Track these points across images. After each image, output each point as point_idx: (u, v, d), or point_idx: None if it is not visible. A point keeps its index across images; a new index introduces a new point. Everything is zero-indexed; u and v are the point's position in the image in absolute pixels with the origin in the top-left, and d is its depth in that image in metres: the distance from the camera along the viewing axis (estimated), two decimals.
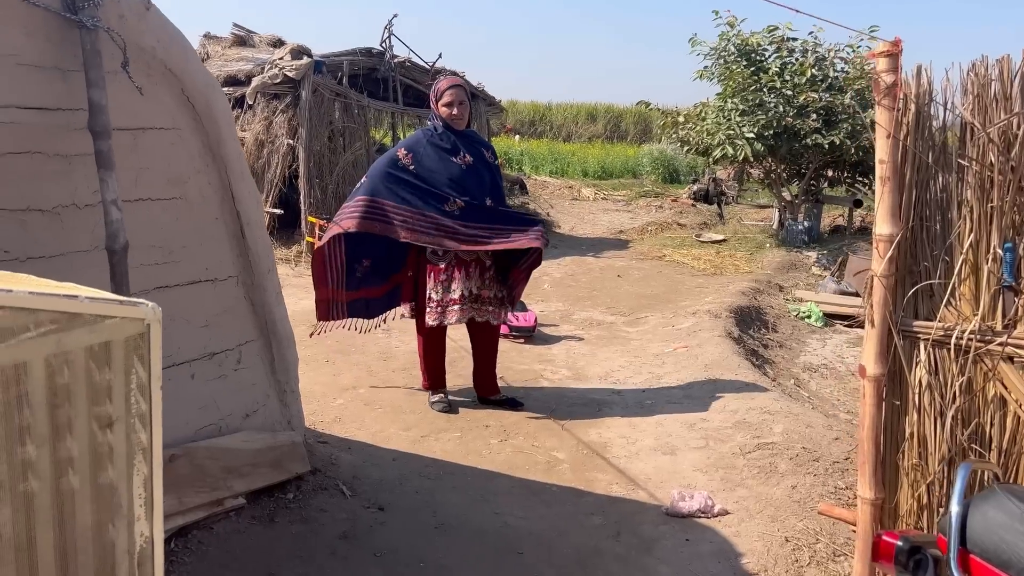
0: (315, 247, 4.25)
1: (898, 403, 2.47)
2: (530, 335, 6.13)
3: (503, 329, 6.00)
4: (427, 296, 4.22)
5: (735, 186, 16.65)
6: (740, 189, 16.77)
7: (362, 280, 4.31)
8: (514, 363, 5.45)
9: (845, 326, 7.84)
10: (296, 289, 7.53)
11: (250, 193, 3.02)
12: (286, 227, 9.31)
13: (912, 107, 2.39)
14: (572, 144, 28.52)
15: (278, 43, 10.26)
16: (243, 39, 10.91)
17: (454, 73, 11.04)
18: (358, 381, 4.69)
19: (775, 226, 12.56)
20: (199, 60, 2.70)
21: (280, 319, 3.29)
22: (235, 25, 11.04)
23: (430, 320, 4.22)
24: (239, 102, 9.42)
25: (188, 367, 2.98)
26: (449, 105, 4.16)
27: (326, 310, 4.30)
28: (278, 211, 9.17)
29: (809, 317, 7.85)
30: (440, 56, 10.93)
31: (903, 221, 2.42)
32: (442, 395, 4.46)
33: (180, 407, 2.96)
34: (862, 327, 8.42)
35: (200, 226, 2.92)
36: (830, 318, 7.90)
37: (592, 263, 10.20)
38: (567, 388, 4.96)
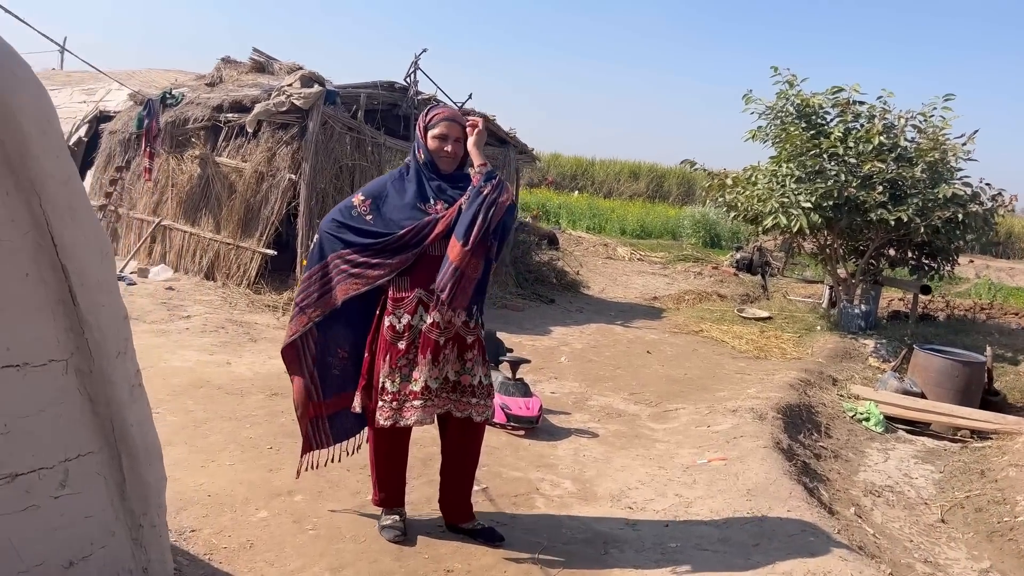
0: (283, 348, 3.24)
1: None
2: (532, 426, 5.03)
3: (499, 418, 4.92)
4: (380, 386, 3.15)
5: (782, 257, 15.49)
6: (788, 261, 15.59)
7: (343, 378, 3.28)
8: (506, 467, 4.34)
9: (908, 431, 6.63)
10: (270, 344, 6.54)
11: (86, 240, 2.01)
12: (280, 270, 8.35)
13: None
14: (612, 200, 27.81)
15: (296, 71, 9.47)
16: (262, 65, 10.18)
17: (483, 115, 10.15)
18: (298, 483, 3.63)
19: (825, 305, 11.35)
20: None
21: (136, 422, 2.26)
22: (255, 50, 10.33)
23: (381, 419, 3.12)
24: (242, 130, 8.60)
25: None
26: (442, 139, 3.12)
27: (308, 434, 3.31)
28: (271, 252, 8.24)
29: (868, 420, 6.65)
30: (470, 96, 10.08)
31: None
32: (396, 517, 3.35)
33: None
34: (930, 436, 6.95)
35: None
36: (891, 421, 6.68)
37: (620, 333, 9.09)
38: (567, 512, 3.83)
